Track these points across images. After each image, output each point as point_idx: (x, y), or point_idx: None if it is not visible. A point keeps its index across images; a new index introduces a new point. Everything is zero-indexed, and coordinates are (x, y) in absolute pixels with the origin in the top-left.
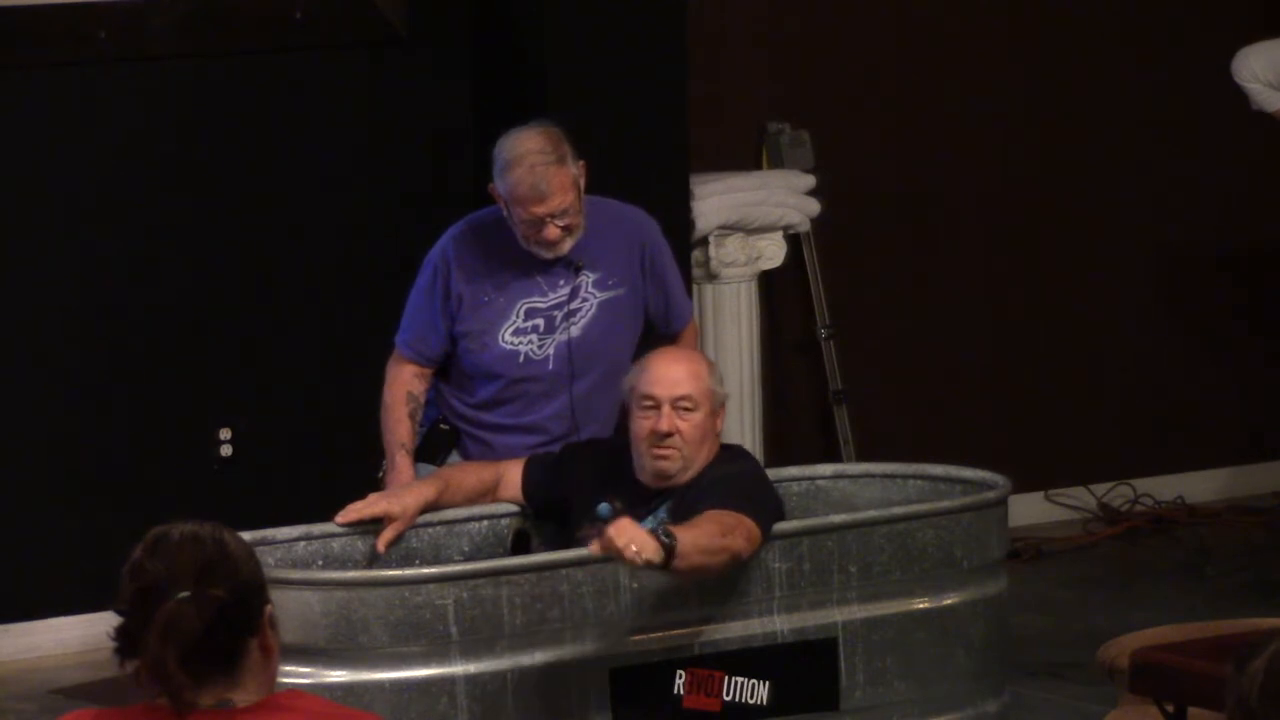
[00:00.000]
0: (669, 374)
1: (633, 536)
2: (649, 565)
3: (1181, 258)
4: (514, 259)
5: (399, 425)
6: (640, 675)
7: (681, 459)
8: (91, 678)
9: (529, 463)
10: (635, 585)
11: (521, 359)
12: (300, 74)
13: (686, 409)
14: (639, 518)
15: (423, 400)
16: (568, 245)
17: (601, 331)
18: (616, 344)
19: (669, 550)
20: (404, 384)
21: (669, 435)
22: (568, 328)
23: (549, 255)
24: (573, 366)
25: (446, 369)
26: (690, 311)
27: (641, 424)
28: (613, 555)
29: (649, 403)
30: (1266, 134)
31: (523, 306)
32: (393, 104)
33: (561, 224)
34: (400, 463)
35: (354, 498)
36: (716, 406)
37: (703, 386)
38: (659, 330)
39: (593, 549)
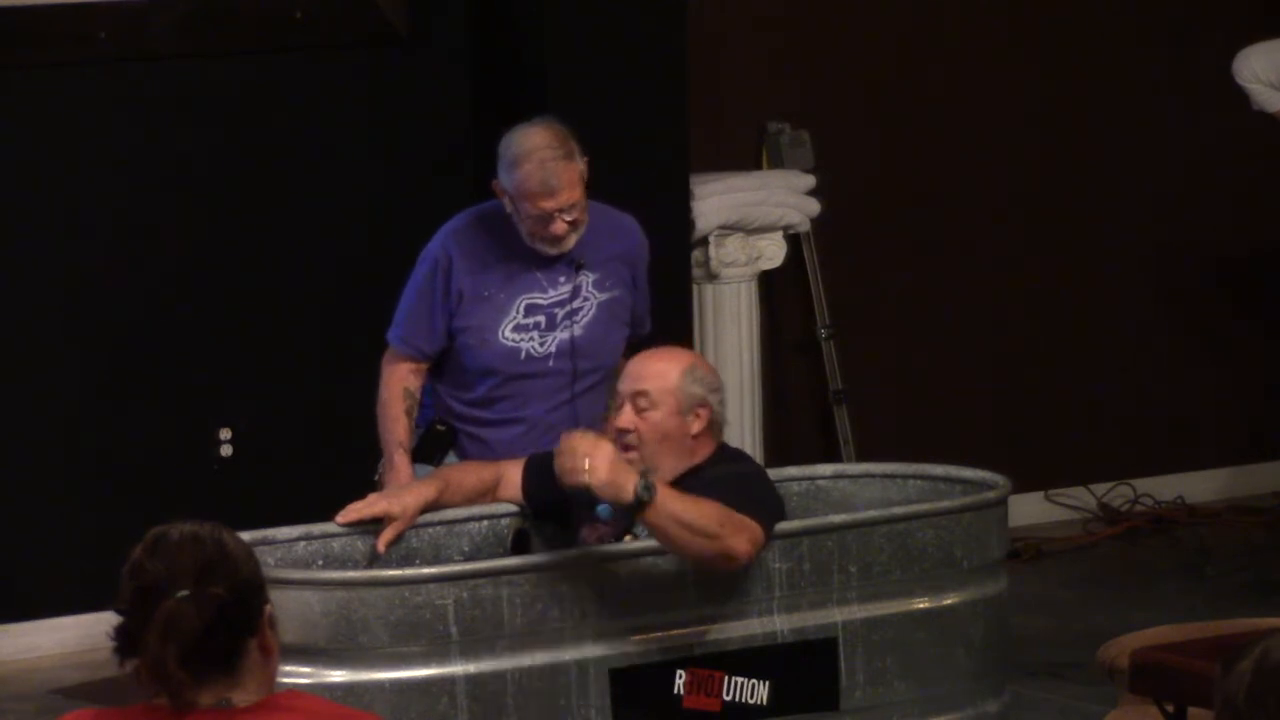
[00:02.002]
0: (634, 370)
1: (593, 454)
2: (607, 497)
3: (1181, 258)
4: (514, 254)
5: (396, 424)
6: (640, 675)
7: (640, 459)
8: (91, 678)
9: (529, 462)
10: (635, 585)
11: (523, 355)
12: (300, 74)
13: (642, 407)
14: (636, 519)
15: (419, 397)
16: (573, 241)
17: (603, 331)
18: (615, 344)
19: (639, 500)
20: (400, 381)
21: (626, 432)
22: (570, 326)
23: (554, 251)
24: (575, 364)
25: (440, 368)
26: (649, 327)
27: (611, 420)
28: (562, 467)
29: (616, 399)
30: (1266, 134)
31: (523, 302)
32: (393, 104)
33: (569, 219)
34: (398, 461)
35: (354, 498)
36: (687, 408)
37: (665, 385)
38: (633, 334)
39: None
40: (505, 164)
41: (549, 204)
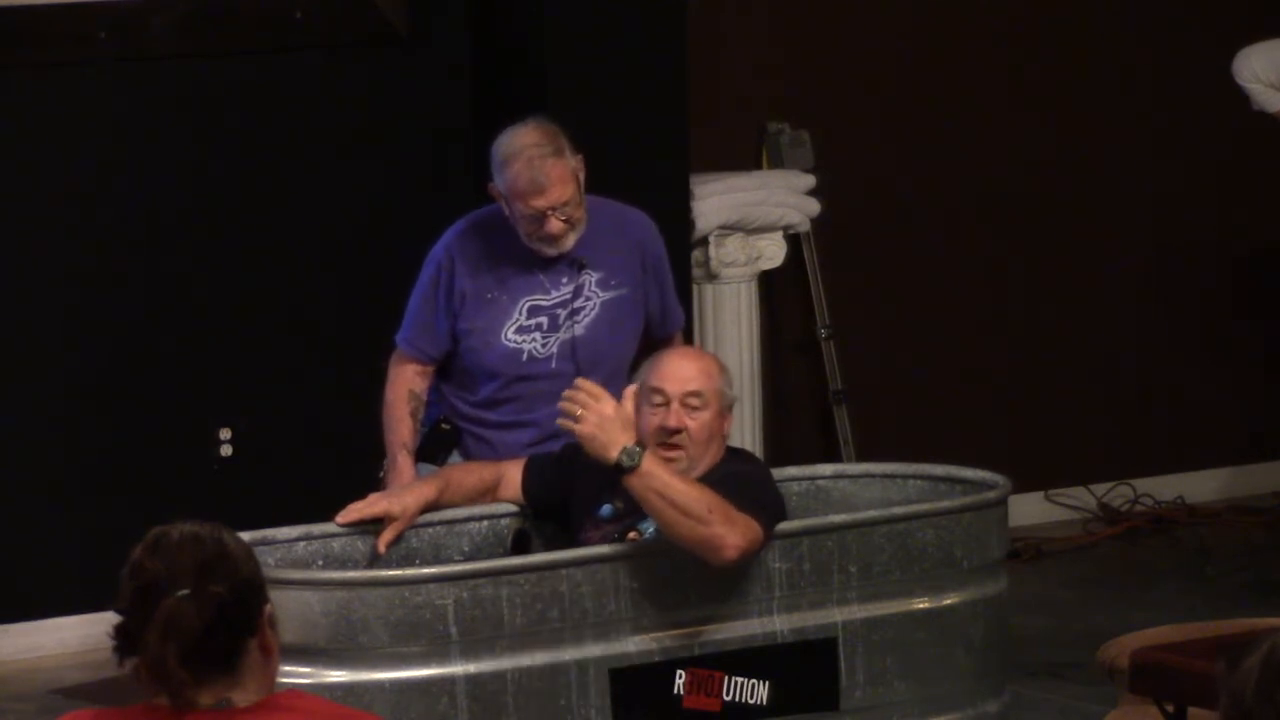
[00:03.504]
0: (680, 370)
1: (591, 408)
2: (591, 451)
3: (1181, 258)
4: (517, 256)
5: (400, 424)
6: (640, 675)
7: (687, 458)
8: (91, 678)
9: (529, 462)
10: (635, 585)
11: (525, 357)
12: (300, 74)
13: (695, 406)
14: (641, 517)
15: (424, 399)
16: (571, 240)
17: (605, 331)
18: (619, 344)
19: (620, 465)
20: (405, 382)
21: (677, 432)
22: (571, 326)
23: (552, 251)
24: (577, 365)
25: (447, 369)
26: (682, 318)
27: (650, 419)
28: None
29: (659, 398)
30: (1266, 134)
31: (525, 304)
32: (392, 104)
33: (563, 217)
34: (401, 462)
35: (355, 497)
36: (724, 408)
37: (713, 385)
38: (654, 335)
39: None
40: (496, 165)
41: (540, 202)
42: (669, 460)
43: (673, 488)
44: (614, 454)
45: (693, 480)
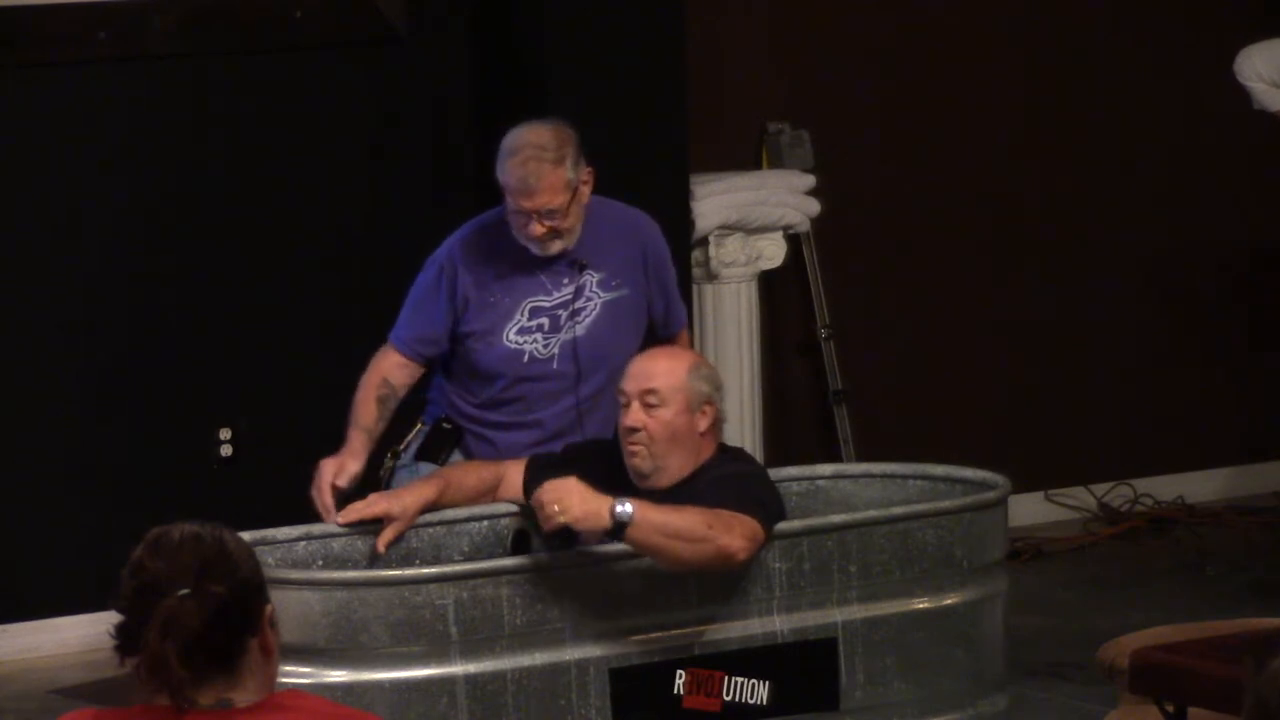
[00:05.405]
0: (640, 369)
1: (561, 496)
2: (588, 528)
3: (1181, 258)
4: (518, 258)
5: (362, 406)
6: (640, 675)
7: (650, 456)
8: (91, 678)
9: (530, 462)
10: (635, 585)
11: (526, 358)
12: (300, 74)
13: (652, 405)
14: (623, 541)
15: (400, 392)
16: (555, 246)
17: (607, 332)
18: (621, 344)
19: (619, 522)
20: (382, 371)
21: (635, 430)
22: (573, 327)
23: (537, 252)
24: (579, 366)
25: (450, 370)
26: (685, 317)
27: (621, 420)
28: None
29: (622, 398)
30: (1267, 134)
31: (527, 305)
32: (392, 104)
33: (548, 223)
34: (352, 440)
35: (355, 497)
36: (695, 405)
37: (673, 382)
38: (657, 335)
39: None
40: (499, 156)
41: (526, 204)
42: (632, 457)
43: (669, 522)
44: (608, 518)
45: (677, 506)
